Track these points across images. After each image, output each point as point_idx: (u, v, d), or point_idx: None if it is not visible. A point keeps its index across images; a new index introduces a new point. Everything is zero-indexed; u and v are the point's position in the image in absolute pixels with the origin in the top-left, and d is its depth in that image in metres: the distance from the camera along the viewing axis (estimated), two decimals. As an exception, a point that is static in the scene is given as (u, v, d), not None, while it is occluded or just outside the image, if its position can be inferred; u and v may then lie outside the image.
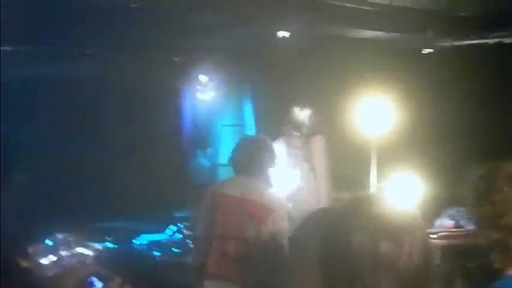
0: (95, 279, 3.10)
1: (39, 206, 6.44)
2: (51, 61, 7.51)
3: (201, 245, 5.09)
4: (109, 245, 7.15)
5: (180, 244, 7.41)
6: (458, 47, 7.50)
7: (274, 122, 8.70)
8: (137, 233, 7.57)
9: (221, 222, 4.95)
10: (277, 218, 4.91)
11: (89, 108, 8.52)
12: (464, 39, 7.43)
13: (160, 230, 7.65)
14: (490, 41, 7.30)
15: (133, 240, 7.44)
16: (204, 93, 9.07)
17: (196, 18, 6.69)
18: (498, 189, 2.50)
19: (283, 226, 4.88)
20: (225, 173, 9.70)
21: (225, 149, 9.69)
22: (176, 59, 8.46)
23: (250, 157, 5.06)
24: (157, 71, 8.63)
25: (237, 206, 4.95)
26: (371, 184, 6.95)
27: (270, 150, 5.18)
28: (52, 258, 3.52)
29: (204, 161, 9.64)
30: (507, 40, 7.25)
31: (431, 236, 7.52)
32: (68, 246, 3.49)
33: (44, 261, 3.52)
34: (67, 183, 8.18)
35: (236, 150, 5.19)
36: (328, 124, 6.69)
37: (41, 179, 7.29)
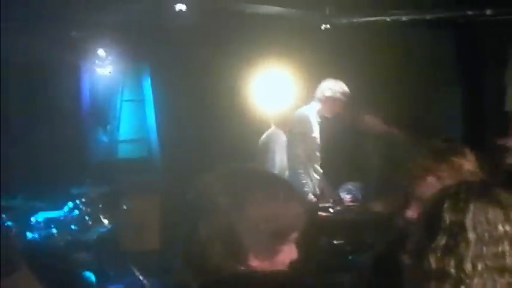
0: None
1: None
2: None
3: None
4: (6, 222, 7.00)
5: (78, 221, 7.32)
6: (356, 23, 7.61)
7: (172, 96, 8.69)
8: (35, 211, 7.42)
9: None
10: None
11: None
12: (362, 16, 7.54)
13: (59, 207, 7.53)
14: (388, 18, 7.43)
15: (31, 218, 7.29)
16: (103, 68, 8.93)
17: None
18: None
19: None
20: (124, 148, 9.65)
21: (124, 124, 9.60)
22: (73, 33, 8.28)
23: None
24: (54, 45, 8.44)
25: None
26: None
27: None
28: None
29: (104, 137, 9.52)
30: (404, 18, 7.40)
31: (328, 209, 7.66)
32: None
33: None
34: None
35: None
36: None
37: None
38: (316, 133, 6.94)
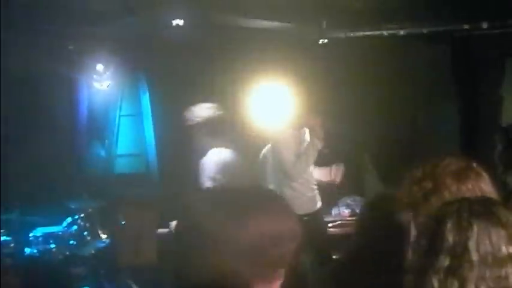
0: None
1: None
2: None
3: None
4: (3, 238, 6.99)
5: (76, 236, 7.30)
6: (353, 37, 7.63)
7: (170, 111, 8.69)
8: (33, 226, 7.41)
9: None
10: None
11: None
12: (359, 31, 7.56)
13: (57, 222, 7.51)
14: (385, 32, 7.45)
15: (29, 233, 7.28)
16: (101, 82, 8.92)
17: (91, 5, 6.60)
18: (447, 186, 2.50)
19: None
20: (122, 163, 9.63)
21: (122, 139, 9.60)
22: (71, 47, 8.29)
23: None
24: (52, 59, 8.44)
25: None
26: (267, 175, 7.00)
27: None
28: None
29: (101, 152, 9.51)
30: (401, 32, 7.42)
31: (328, 225, 7.63)
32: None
33: None
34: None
35: None
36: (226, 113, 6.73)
37: None
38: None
